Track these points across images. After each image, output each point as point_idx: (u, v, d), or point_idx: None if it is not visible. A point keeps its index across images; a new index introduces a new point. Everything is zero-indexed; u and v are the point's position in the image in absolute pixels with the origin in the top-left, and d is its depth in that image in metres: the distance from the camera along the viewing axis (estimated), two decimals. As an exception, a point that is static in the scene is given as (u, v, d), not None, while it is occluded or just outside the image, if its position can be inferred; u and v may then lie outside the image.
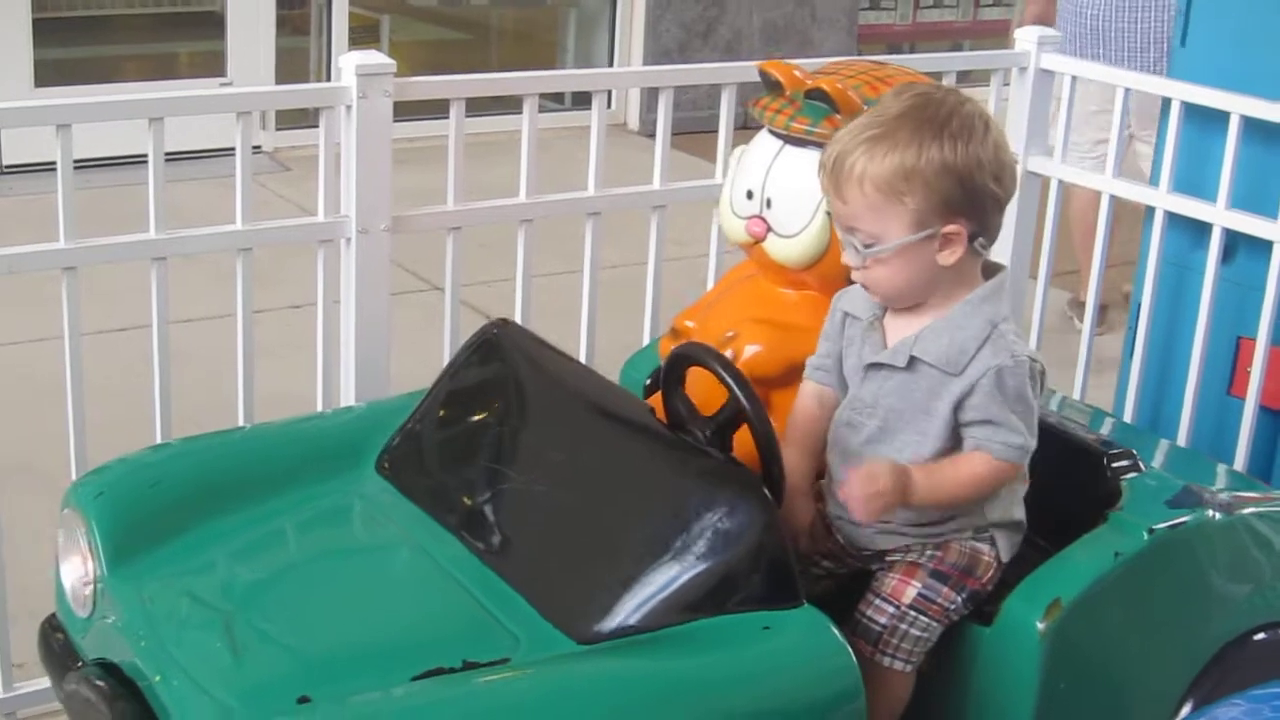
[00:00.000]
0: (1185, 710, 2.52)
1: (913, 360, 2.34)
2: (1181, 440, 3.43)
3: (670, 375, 2.47)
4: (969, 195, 2.28)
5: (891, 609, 2.39)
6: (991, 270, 2.40)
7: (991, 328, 2.32)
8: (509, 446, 2.57)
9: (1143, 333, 3.58)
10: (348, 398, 3.13)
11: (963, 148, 2.27)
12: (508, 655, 2.19)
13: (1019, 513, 2.45)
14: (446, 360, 2.85)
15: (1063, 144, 3.71)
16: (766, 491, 2.28)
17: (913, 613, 2.39)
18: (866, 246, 2.31)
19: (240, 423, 3.04)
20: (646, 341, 3.21)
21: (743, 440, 2.36)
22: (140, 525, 2.48)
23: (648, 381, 2.85)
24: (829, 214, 2.63)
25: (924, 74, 2.91)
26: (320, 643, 2.26)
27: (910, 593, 2.39)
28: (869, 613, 2.40)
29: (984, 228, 2.33)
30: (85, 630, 2.47)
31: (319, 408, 3.13)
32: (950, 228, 2.29)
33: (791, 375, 2.60)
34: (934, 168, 2.26)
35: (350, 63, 2.96)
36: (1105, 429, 2.93)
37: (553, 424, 2.57)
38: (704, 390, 2.44)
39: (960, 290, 2.35)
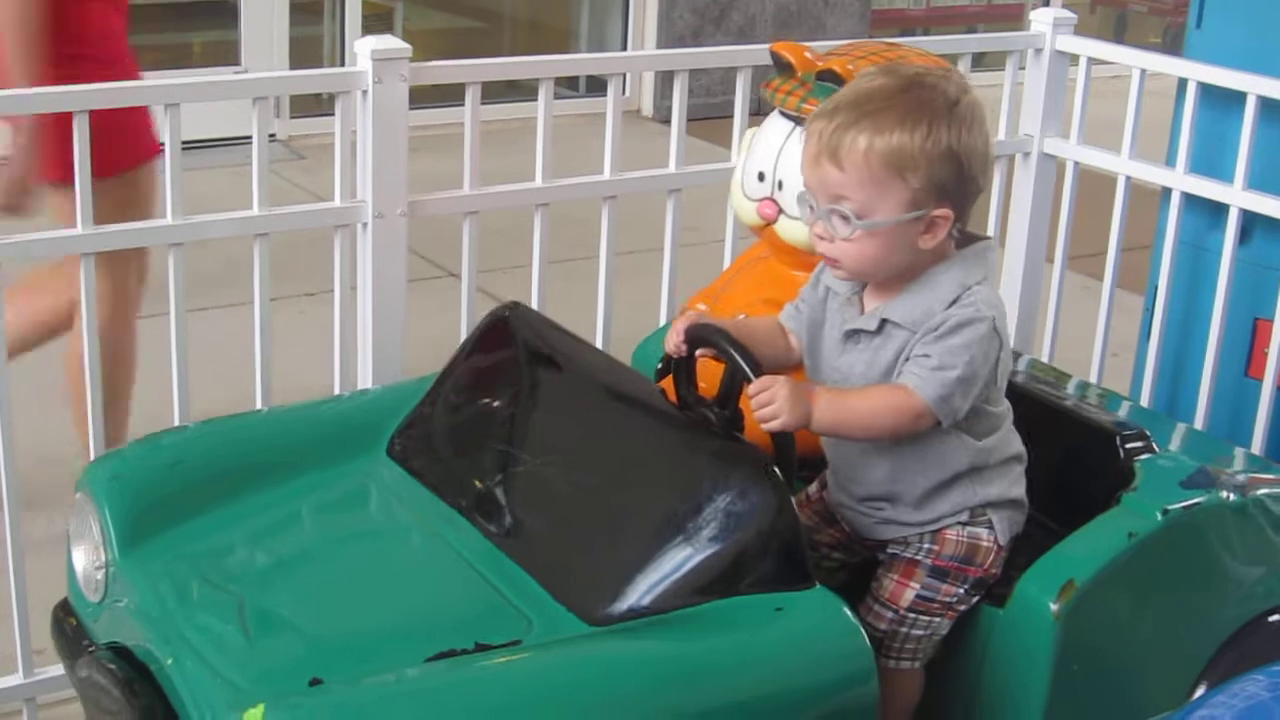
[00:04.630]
0: (1200, 692, 2.51)
1: (883, 323, 2.33)
2: (1199, 423, 3.42)
3: (681, 357, 2.45)
4: (961, 182, 2.29)
5: (890, 614, 2.39)
6: (970, 240, 2.39)
7: (962, 290, 2.30)
8: (520, 429, 2.58)
9: (1159, 315, 3.58)
10: (364, 384, 3.13)
11: (966, 134, 2.27)
12: (520, 637, 2.19)
13: (1017, 491, 2.43)
14: (463, 346, 2.85)
15: (1079, 126, 3.70)
16: (778, 472, 2.28)
17: (912, 615, 2.38)
18: (855, 219, 2.27)
19: (258, 407, 3.05)
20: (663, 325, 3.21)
21: (754, 422, 2.35)
22: (153, 508, 2.49)
23: (660, 364, 2.85)
24: None
25: (939, 55, 2.90)
26: (333, 626, 2.26)
27: (908, 595, 2.39)
28: (869, 619, 2.38)
29: (963, 216, 2.34)
30: (97, 615, 2.47)
31: (336, 394, 3.14)
32: (940, 211, 2.28)
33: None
34: (940, 150, 2.25)
35: (366, 47, 2.96)
36: (1121, 413, 2.92)
37: (564, 406, 2.57)
38: (716, 370, 2.44)
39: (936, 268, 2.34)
